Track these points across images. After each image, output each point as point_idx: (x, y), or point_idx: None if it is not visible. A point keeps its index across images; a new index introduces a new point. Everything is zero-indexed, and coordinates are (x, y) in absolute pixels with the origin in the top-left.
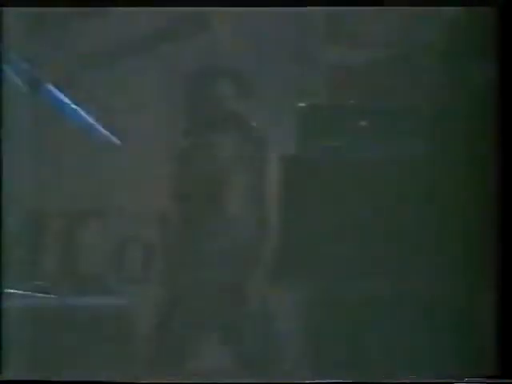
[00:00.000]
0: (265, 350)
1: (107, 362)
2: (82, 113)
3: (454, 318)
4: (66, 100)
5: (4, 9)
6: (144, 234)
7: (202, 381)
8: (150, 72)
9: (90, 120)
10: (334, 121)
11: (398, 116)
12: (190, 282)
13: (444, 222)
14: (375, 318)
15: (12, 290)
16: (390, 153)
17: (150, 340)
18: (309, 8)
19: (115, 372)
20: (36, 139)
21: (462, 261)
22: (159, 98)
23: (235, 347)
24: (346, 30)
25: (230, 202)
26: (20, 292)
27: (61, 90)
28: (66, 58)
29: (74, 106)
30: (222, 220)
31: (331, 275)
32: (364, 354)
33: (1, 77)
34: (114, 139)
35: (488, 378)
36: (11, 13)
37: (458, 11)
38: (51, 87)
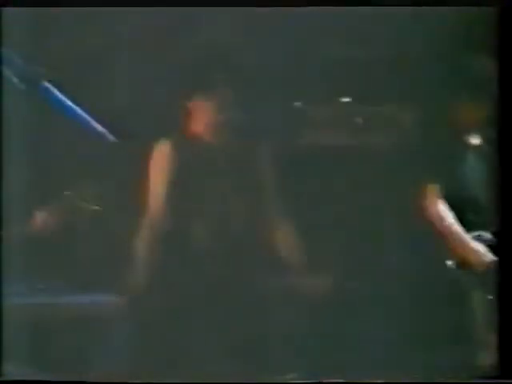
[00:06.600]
0: None
1: None
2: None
3: (454, 318)
4: (65, 98)
5: (4, 9)
6: None
7: (202, 381)
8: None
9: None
10: None
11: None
12: None
13: None
14: (368, 318)
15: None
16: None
17: None
18: None
19: None
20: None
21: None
22: None
23: None
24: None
25: None
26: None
27: (59, 89)
28: (65, 57)
29: (72, 104)
30: None
31: None
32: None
33: (1, 76)
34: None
35: (488, 378)
36: (11, 13)
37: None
38: (50, 85)
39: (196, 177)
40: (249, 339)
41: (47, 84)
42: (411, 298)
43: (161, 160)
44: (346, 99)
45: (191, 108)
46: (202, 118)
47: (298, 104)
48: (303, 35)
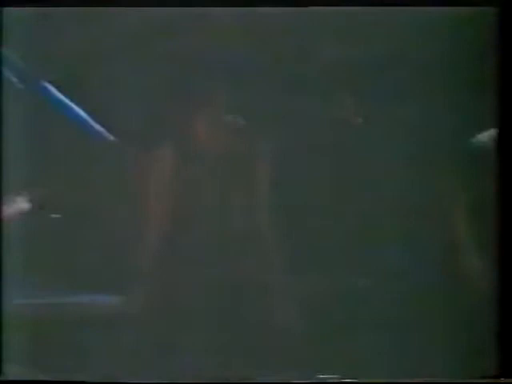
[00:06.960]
0: None
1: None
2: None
3: (454, 317)
4: (65, 98)
5: (4, 9)
6: None
7: (204, 381)
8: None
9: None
10: None
11: (394, 116)
12: None
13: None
14: (367, 315)
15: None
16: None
17: None
18: None
19: None
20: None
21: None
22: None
23: None
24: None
25: None
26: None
27: (59, 89)
28: (65, 57)
29: (72, 105)
30: None
31: None
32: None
33: (1, 76)
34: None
35: (488, 378)
36: (11, 13)
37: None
38: (50, 85)
39: (196, 177)
40: (249, 339)
41: (47, 84)
42: (411, 298)
43: (160, 160)
44: (346, 99)
45: (191, 108)
46: (202, 118)
47: (297, 104)
48: (303, 35)
